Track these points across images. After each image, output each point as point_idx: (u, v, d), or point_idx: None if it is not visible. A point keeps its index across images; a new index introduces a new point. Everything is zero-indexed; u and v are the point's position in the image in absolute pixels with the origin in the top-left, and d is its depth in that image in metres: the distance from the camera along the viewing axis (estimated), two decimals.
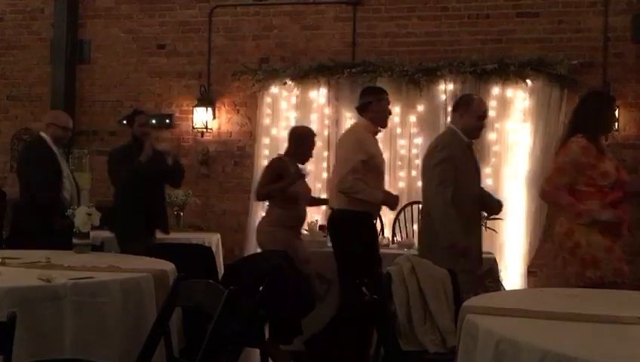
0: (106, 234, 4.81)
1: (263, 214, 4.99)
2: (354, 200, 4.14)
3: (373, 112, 4.27)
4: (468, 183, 3.81)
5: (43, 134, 4.53)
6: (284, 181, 4.47)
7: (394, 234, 5.60)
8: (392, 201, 4.41)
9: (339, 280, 4.37)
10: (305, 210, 4.67)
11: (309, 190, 4.80)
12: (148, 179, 4.69)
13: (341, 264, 4.32)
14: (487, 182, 5.82)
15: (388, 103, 4.41)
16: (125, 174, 4.67)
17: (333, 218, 4.38)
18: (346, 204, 4.18)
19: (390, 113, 4.49)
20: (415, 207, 5.73)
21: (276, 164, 4.62)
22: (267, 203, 4.74)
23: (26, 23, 7.12)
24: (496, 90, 5.86)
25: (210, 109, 6.53)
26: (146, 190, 4.72)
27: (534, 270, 5.83)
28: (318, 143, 6.28)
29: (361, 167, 4.10)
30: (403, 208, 5.73)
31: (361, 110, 4.36)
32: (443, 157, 3.72)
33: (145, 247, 4.18)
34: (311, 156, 4.73)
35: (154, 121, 6.68)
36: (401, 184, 6.00)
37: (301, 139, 4.64)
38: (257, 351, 3.88)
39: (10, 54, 7.15)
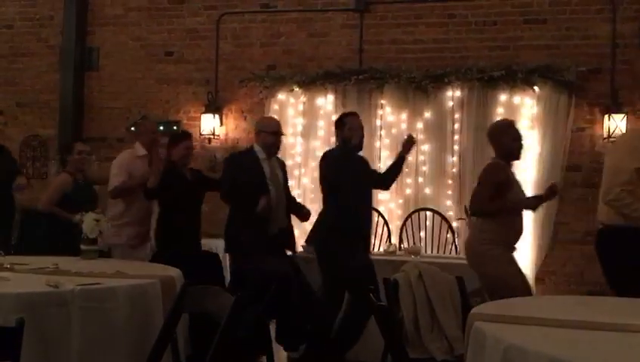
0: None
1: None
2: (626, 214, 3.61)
3: None
4: None
5: (255, 144, 4.47)
6: None
7: (401, 241, 5.59)
8: None
9: None
10: (523, 222, 4.02)
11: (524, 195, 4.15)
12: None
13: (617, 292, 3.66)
14: None
15: None
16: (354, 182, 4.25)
17: (602, 235, 3.82)
18: (617, 218, 3.66)
19: None
20: (422, 213, 5.73)
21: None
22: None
23: (35, 30, 7.18)
24: (503, 97, 5.85)
25: (217, 116, 6.55)
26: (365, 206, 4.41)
27: (542, 277, 5.80)
28: (325, 149, 6.30)
29: (635, 178, 3.54)
30: (410, 215, 5.73)
31: None
32: None
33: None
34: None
35: (161, 128, 6.73)
36: (408, 190, 5.99)
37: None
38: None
39: (19, 61, 7.20)
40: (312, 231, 4.64)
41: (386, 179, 4.72)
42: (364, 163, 4.57)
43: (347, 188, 4.23)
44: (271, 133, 4.41)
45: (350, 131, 4.38)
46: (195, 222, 4.63)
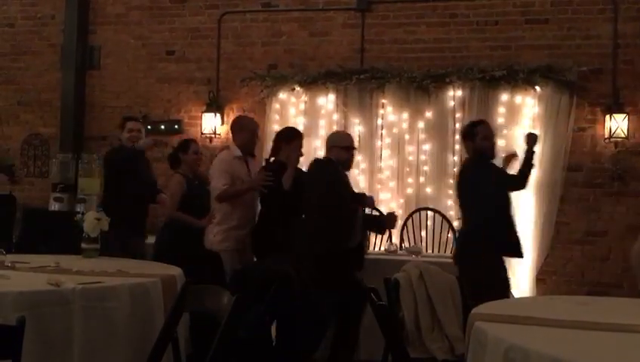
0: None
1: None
2: None
3: None
4: None
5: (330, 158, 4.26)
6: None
7: (402, 241, 5.59)
8: None
9: None
10: None
11: None
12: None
13: None
14: None
15: None
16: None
17: None
18: None
19: None
20: (423, 213, 5.72)
21: None
22: None
23: (36, 29, 7.18)
24: (504, 97, 5.85)
25: (218, 115, 6.55)
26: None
27: (543, 277, 5.80)
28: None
29: None
30: (411, 214, 5.73)
31: None
32: None
33: None
34: None
35: (163, 127, 6.74)
36: (409, 190, 5.98)
37: None
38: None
39: (20, 60, 7.20)
40: (456, 251, 4.42)
41: (521, 179, 4.50)
42: (500, 170, 4.41)
43: (488, 199, 4.10)
44: (344, 148, 4.27)
45: (483, 140, 4.25)
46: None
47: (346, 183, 4.21)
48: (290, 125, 6.24)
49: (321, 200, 4.05)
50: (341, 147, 4.28)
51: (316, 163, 4.37)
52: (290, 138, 4.40)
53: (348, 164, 4.32)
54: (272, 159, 4.45)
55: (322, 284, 3.92)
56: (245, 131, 4.51)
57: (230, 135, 6.56)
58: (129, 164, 4.52)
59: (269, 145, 6.28)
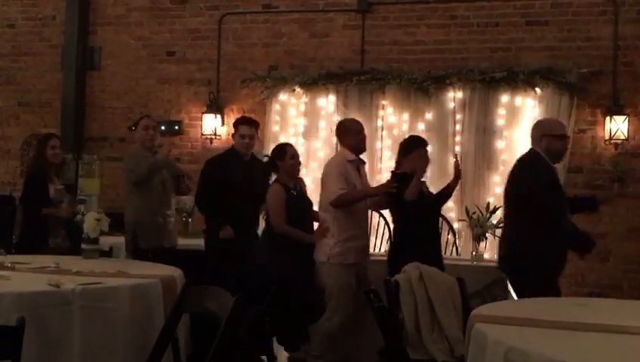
0: (114, 239, 4.74)
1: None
2: None
3: None
4: None
5: (536, 148, 3.75)
6: None
7: None
8: None
9: None
10: None
11: None
12: None
13: None
14: (496, 191, 5.81)
15: None
16: None
17: None
18: None
19: None
20: None
21: None
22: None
23: (37, 29, 7.19)
24: (505, 99, 5.85)
25: (219, 116, 6.55)
26: None
27: None
28: (326, 151, 6.33)
29: None
30: None
31: None
32: None
33: None
34: None
35: (163, 128, 6.74)
36: None
37: None
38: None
39: (21, 61, 7.21)
40: None
41: None
42: None
43: None
44: (558, 137, 3.76)
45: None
46: (438, 243, 4.29)
47: (558, 182, 3.74)
48: (291, 126, 6.24)
49: (538, 203, 3.58)
50: (554, 135, 3.75)
51: (524, 161, 3.81)
52: (409, 149, 4.23)
53: (562, 155, 3.87)
54: (397, 171, 4.23)
55: (534, 284, 3.57)
56: (350, 133, 4.34)
57: (228, 136, 6.58)
58: None
59: (269, 146, 6.31)
